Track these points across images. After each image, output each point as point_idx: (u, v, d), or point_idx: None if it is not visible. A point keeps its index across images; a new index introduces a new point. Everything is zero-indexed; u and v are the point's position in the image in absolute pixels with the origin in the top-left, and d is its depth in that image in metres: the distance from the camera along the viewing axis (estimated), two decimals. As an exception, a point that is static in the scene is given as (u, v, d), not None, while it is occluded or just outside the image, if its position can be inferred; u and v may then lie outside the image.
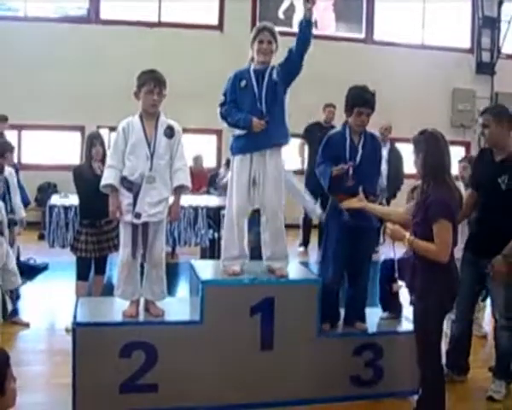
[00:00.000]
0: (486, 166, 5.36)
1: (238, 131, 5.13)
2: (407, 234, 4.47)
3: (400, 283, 5.21)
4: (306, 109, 10.53)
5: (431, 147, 4.47)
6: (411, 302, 4.73)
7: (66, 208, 8.20)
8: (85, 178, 6.54)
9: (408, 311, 5.18)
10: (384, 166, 10.33)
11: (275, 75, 5.06)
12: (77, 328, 4.80)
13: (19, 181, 8.02)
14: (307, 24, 5.05)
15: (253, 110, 5.00)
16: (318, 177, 5.31)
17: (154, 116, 4.96)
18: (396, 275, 5.17)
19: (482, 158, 5.52)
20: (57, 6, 13.35)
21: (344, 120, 5.37)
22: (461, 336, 5.65)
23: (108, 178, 4.91)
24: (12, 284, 6.17)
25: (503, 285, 5.21)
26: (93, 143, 6.63)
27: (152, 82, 4.91)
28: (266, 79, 5.04)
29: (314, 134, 9.53)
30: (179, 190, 5.00)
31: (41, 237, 10.48)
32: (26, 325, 6.77)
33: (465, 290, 5.12)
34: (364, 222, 5.20)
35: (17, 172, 8.25)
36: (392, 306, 5.62)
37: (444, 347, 5.12)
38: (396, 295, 5.52)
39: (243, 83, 5.08)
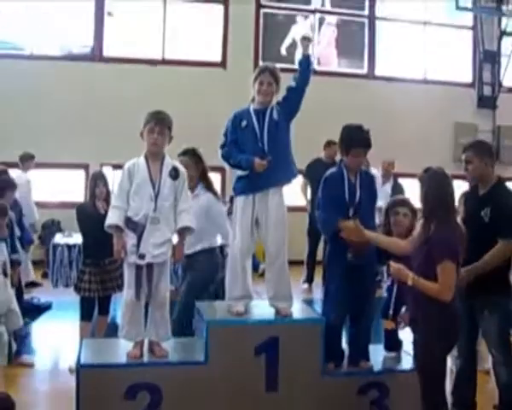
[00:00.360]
0: (472, 202, 5.46)
1: (240, 172, 5.16)
2: (410, 273, 4.45)
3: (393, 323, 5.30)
4: (308, 145, 10.49)
5: (433, 185, 4.50)
6: (414, 339, 4.71)
7: (70, 247, 8.22)
8: (89, 217, 6.55)
9: (410, 347, 5.17)
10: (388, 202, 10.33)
11: (275, 114, 5.11)
12: (81, 370, 4.79)
13: (21, 220, 8.03)
14: (306, 60, 5.19)
15: (254, 150, 5.03)
16: (319, 221, 5.31)
17: (159, 157, 4.97)
18: (390, 313, 5.19)
19: (470, 194, 5.60)
20: (62, 44, 13.49)
21: (340, 159, 5.39)
22: (463, 373, 5.60)
23: (113, 218, 4.91)
24: (14, 324, 6.15)
25: (492, 321, 5.23)
26: (96, 183, 6.66)
27: (153, 121, 4.93)
28: (267, 118, 5.08)
29: (316, 171, 9.50)
30: (183, 232, 5.00)
31: (45, 276, 10.47)
32: (30, 366, 6.75)
33: (463, 325, 5.11)
34: (366, 261, 5.20)
35: (20, 211, 8.26)
36: (392, 345, 5.59)
37: (449, 385, 5.09)
38: (393, 333, 5.51)
39: (244, 123, 5.12)
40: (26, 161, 10.92)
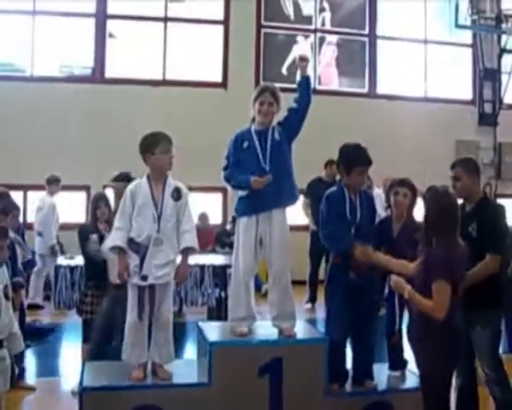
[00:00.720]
0: (460, 218, 5.44)
1: (241, 193, 5.15)
2: (408, 287, 4.43)
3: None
4: (308, 164, 10.45)
5: (433, 204, 4.49)
6: (416, 357, 4.68)
7: (72, 269, 8.18)
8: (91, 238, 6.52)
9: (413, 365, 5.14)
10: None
11: (277, 135, 5.10)
12: (83, 393, 4.76)
13: (23, 243, 8.00)
14: (306, 81, 5.18)
15: (258, 171, 5.00)
16: (325, 238, 5.22)
17: (162, 178, 4.97)
18: (396, 328, 5.19)
19: (460, 210, 5.60)
20: (62, 66, 13.54)
21: (339, 178, 5.38)
22: (464, 392, 5.54)
23: (116, 239, 4.90)
24: (16, 348, 6.11)
25: (485, 336, 5.20)
26: (98, 204, 6.64)
27: (166, 141, 4.94)
28: (269, 139, 5.07)
29: (316, 190, 9.46)
30: (186, 252, 4.98)
31: (47, 298, 10.42)
32: (32, 389, 6.70)
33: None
34: (367, 279, 5.18)
35: (23, 234, 8.23)
36: (397, 363, 5.56)
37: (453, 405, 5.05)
38: (398, 350, 5.48)
39: (246, 144, 5.11)
40: (51, 184, 10.83)
